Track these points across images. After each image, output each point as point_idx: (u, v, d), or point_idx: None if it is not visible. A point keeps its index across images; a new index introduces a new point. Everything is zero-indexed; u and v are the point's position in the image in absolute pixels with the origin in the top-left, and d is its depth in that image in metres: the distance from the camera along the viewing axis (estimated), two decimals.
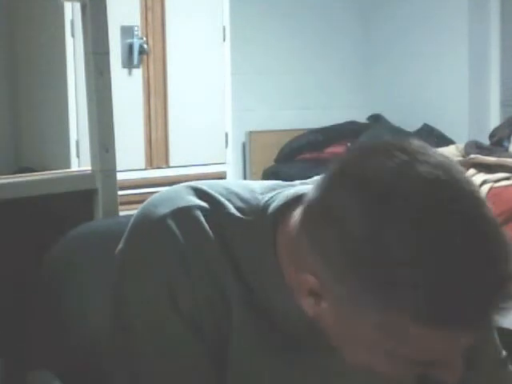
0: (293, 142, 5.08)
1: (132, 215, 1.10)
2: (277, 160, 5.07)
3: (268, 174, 4.97)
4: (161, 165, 4.17)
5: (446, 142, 4.88)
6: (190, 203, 1.04)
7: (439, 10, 5.15)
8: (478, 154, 4.28)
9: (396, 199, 0.86)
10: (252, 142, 5.10)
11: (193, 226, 1.02)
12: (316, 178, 1.01)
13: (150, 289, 1.01)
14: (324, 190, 0.93)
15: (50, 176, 1.77)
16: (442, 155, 0.91)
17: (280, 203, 1.03)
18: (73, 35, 3.83)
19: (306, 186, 1.04)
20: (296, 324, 1.01)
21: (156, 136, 4.15)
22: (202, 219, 1.03)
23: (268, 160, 5.04)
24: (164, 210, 1.04)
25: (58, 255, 1.33)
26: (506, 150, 4.52)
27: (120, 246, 1.08)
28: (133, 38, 4.03)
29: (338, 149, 5.02)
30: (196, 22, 4.25)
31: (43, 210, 1.60)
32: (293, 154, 5.04)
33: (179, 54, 4.19)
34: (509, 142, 4.59)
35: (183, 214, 1.03)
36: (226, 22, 4.36)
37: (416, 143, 0.91)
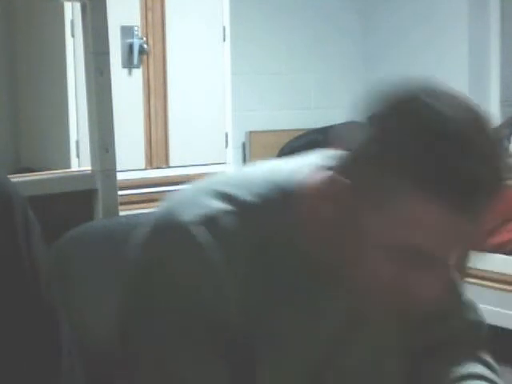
0: (293, 142, 5.08)
1: (132, 215, 1.10)
2: None
3: None
4: (161, 165, 4.17)
5: None
6: (214, 209, 1.03)
7: (439, 10, 5.15)
8: None
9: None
10: (252, 142, 5.10)
11: (220, 233, 1.02)
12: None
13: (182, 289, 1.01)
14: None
15: (50, 176, 1.77)
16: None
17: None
18: (73, 35, 3.83)
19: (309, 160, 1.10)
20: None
21: (156, 136, 4.15)
22: (230, 225, 1.03)
23: None
24: (188, 216, 1.02)
25: (57, 255, 1.33)
26: (506, 150, 4.52)
27: (138, 252, 1.06)
28: (133, 37, 4.03)
29: (337, 149, 5.02)
30: (196, 22, 4.25)
31: (43, 210, 1.60)
32: (293, 154, 5.03)
33: (179, 54, 4.19)
34: (509, 142, 4.59)
35: (209, 221, 1.02)
36: (226, 22, 4.36)
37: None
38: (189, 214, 1.02)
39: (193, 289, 1.00)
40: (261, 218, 1.04)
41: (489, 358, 1.22)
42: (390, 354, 1.16)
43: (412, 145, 0.92)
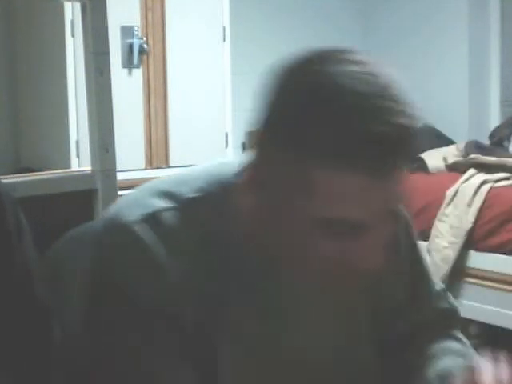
0: None
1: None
2: None
3: None
4: (161, 165, 4.17)
5: (446, 141, 4.87)
6: (156, 207, 1.05)
7: (439, 11, 5.15)
8: (478, 154, 4.28)
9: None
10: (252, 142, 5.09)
11: (163, 231, 1.03)
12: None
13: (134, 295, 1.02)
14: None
15: (50, 176, 1.77)
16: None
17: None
18: (73, 35, 3.83)
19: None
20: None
21: (156, 136, 4.15)
22: (172, 221, 1.04)
23: None
24: (131, 216, 1.04)
25: (57, 255, 1.33)
26: (506, 150, 4.52)
27: (92, 256, 1.09)
28: (133, 37, 4.02)
29: None
30: (196, 22, 4.25)
31: (43, 210, 1.60)
32: None
33: (179, 54, 4.19)
34: (509, 142, 4.58)
35: (152, 219, 1.03)
36: (226, 22, 4.36)
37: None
38: (132, 214, 1.04)
39: (139, 287, 1.01)
40: (202, 212, 1.05)
41: (460, 335, 1.22)
42: (360, 340, 1.15)
43: (309, 117, 0.92)
